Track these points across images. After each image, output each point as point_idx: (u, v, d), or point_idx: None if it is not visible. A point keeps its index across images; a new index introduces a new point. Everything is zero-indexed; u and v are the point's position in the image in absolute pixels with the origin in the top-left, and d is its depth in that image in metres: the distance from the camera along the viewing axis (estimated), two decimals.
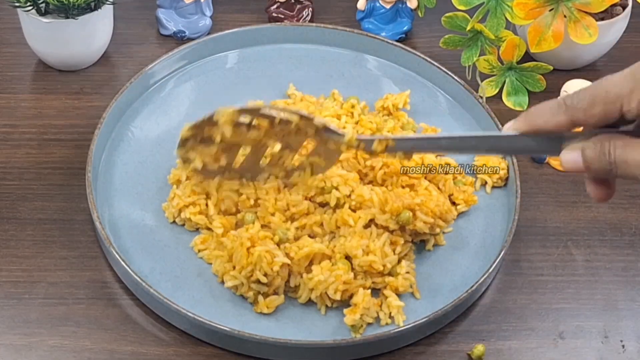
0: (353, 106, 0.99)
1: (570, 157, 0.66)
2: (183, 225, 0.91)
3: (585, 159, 0.65)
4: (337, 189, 0.87)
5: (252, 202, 0.88)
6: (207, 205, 0.90)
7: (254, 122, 0.84)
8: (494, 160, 0.96)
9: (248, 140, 0.86)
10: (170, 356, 0.83)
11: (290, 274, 0.86)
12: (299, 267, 0.85)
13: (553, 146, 0.68)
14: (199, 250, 0.89)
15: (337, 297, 0.84)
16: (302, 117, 0.83)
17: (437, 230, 0.89)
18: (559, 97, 0.67)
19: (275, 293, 0.86)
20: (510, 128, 0.70)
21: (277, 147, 0.86)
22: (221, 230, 0.88)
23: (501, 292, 0.90)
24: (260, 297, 0.85)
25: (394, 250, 0.87)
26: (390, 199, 0.87)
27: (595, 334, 0.87)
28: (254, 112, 0.84)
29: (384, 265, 0.85)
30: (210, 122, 0.85)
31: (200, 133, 0.86)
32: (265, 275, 0.84)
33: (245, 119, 0.84)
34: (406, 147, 0.80)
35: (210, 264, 0.88)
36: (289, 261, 0.84)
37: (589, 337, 0.87)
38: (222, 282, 0.86)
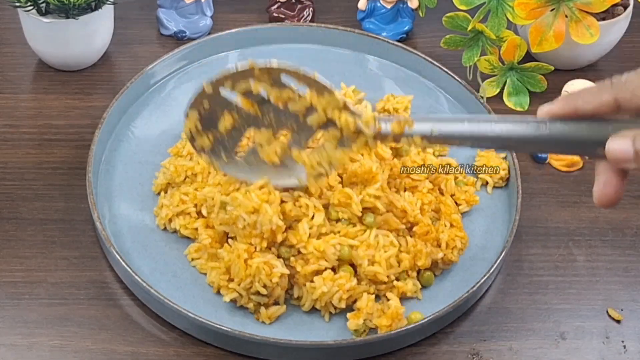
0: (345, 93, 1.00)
1: (619, 145, 0.60)
2: (174, 232, 0.91)
3: (638, 148, 0.60)
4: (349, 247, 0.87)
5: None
6: (197, 214, 0.89)
7: (267, 90, 0.82)
8: (495, 160, 0.96)
9: (258, 119, 0.83)
10: (170, 356, 0.83)
11: (294, 285, 0.86)
12: (304, 279, 0.85)
13: (593, 133, 0.63)
14: (193, 259, 0.89)
15: (342, 305, 0.84)
16: (321, 88, 0.80)
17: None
18: (599, 82, 0.62)
19: (276, 302, 0.85)
20: (545, 112, 0.65)
21: (285, 137, 0.84)
22: (209, 240, 0.87)
23: (502, 293, 0.90)
24: (262, 308, 0.84)
25: (399, 263, 0.86)
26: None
27: (596, 334, 0.87)
28: (272, 72, 0.81)
29: (388, 277, 0.85)
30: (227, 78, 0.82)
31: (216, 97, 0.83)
32: (265, 286, 0.83)
33: (259, 85, 0.81)
34: (425, 130, 0.75)
35: (205, 273, 0.88)
36: (287, 271, 0.84)
37: (590, 337, 0.87)
38: (218, 293, 0.86)
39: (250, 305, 0.84)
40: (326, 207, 0.86)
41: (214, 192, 0.87)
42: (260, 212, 0.83)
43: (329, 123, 0.81)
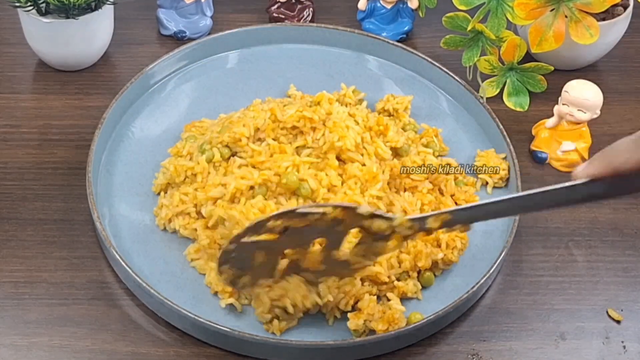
0: (345, 94, 1.00)
1: None
2: (174, 232, 0.91)
3: None
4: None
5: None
6: (197, 214, 0.89)
7: (288, 224, 0.77)
8: (495, 161, 0.96)
9: (288, 241, 0.79)
10: (170, 357, 0.83)
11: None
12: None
13: (633, 185, 0.63)
14: (192, 260, 0.89)
15: (349, 308, 0.84)
16: (344, 208, 0.76)
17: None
18: (634, 135, 0.61)
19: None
20: (581, 174, 0.64)
21: (321, 243, 0.80)
22: (207, 241, 0.87)
23: (502, 293, 0.90)
24: (274, 320, 0.84)
25: (400, 264, 0.87)
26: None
27: (596, 334, 0.87)
28: (288, 214, 0.77)
29: (389, 277, 0.85)
30: (246, 233, 0.78)
31: (240, 248, 0.78)
32: (294, 306, 0.83)
33: (278, 222, 0.77)
34: (463, 218, 0.74)
35: (204, 274, 0.88)
36: (321, 302, 0.83)
37: (590, 337, 0.87)
38: (215, 294, 0.86)
39: (267, 316, 0.83)
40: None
41: (213, 198, 0.87)
42: None
43: (360, 227, 0.78)
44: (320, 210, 0.76)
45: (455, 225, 0.75)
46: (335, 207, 0.76)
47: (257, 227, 0.77)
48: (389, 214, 0.77)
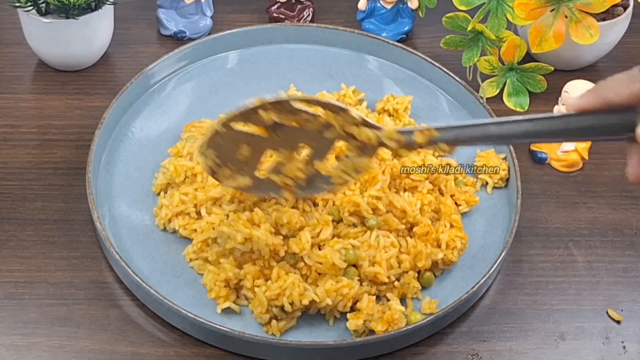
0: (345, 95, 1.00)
1: None
2: (174, 232, 0.91)
3: None
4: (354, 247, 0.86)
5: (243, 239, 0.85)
6: (197, 214, 0.89)
7: (280, 119, 0.79)
8: (495, 161, 0.96)
9: (275, 141, 0.80)
10: (170, 357, 0.83)
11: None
12: (312, 286, 0.85)
13: (622, 121, 0.63)
14: (191, 260, 0.88)
15: (347, 309, 0.84)
16: (335, 109, 0.77)
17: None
18: (626, 72, 0.62)
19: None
20: (575, 106, 0.64)
21: (306, 152, 0.81)
22: (199, 245, 0.87)
23: (502, 293, 0.90)
24: (273, 321, 0.84)
25: (400, 264, 0.86)
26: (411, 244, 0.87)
27: (596, 335, 0.87)
28: (282, 104, 0.78)
29: (389, 277, 0.85)
30: (239, 116, 0.79)
31: (229, 130, 0.80)
32: (292, 304, 0.83)
33: (270, 114, 0.78)
34: (449, 137, 0.74)
35: (202, 274, 0.88)
36: (318, 300, 0.84)
37: (590, 338, 0.87)
38: (213, 296, 0.86)
39: (265, 317, 0.83)
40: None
41: (213, 199, 0.87)
42: (252, 239, 0.83)
43: (348, 136, 0.79)
44: (312, 110, 0.77)
45: (440, 143, 0.74)
46: (327, 105, 0.77)
47: (249, 112, 0.79)
48: (378, 124, 0.78)
